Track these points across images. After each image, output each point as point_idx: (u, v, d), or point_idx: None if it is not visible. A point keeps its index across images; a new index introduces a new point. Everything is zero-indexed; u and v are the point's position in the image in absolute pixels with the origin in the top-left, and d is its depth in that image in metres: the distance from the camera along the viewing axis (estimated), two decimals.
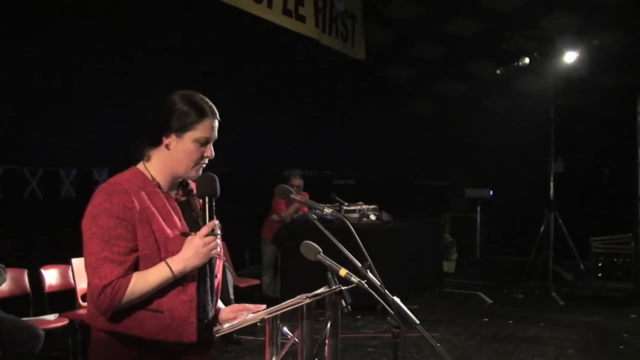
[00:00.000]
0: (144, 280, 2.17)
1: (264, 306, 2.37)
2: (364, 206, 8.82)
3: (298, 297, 2.27)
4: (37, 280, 5.75)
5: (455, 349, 6.44)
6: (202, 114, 2.28)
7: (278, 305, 2.28)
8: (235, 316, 2.40)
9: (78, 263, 5.86)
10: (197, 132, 2.27)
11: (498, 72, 10.42)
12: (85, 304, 5.47)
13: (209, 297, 2.35)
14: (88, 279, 2.17)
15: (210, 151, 2.33)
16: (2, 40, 6.14)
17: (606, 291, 9.10)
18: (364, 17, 11.75)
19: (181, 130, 2.26)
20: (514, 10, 10.91)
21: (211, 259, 2.31)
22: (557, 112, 9.64)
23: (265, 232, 8.59)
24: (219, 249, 2.29)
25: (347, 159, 12.41)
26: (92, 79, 7.03)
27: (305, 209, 7.92)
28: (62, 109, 6.76)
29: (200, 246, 2.22)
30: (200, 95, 2.34)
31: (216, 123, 2.33)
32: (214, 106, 2.34)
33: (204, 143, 2.30)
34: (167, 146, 2.28)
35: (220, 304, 2.52)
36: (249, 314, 2.37)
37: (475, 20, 11.49)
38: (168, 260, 2.20)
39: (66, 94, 6.76)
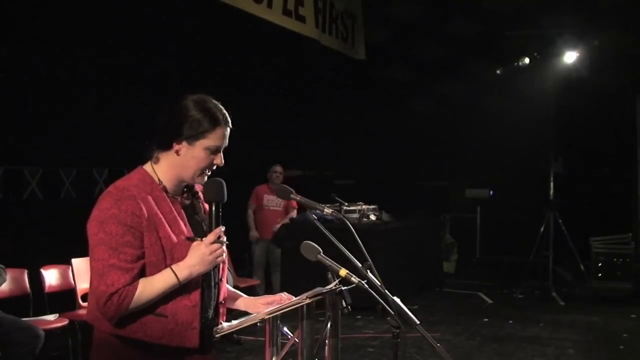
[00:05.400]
0: (150, 287, 2.17)
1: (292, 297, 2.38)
2: (364, 206, 8.81)
3: (298, 297, 2.27)
4: (37, 280, 5.74)
5: (455, 349, 6.44)
6: (215, 122, 2.27)
7: (278, 305, 2.28)
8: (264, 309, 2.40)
9: (78, 263, 5.86)
10: (209, 141, 2.27)
11: (498, 72, 10.43)
12: (85, 304, 5.46)
13: (213, 302, 2.36)
14: (94, 284, 2.17)
15: (220, 159, 2.32)
16: (2, 41, 6.15)
17: (606, 291, 9.10)
18: (364, 17, 11.75)
19: (193, 138, 2.25)
20: (514, 10, 10.90)
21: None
22: (557, 112, 9.64)
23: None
24: (224, 255, 2.29)
25: (347, 159, 12.40)
26: (93, 80, 7.03)
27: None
28: (63, 109, 6.76)
29: (206, 254, 2.22)
30: (214, 102, 2.32)
31: (228, 131, 2.32)
32: (227, 114, 2.32)
33: (214, 151, 2.29)
34: (177, 152, 2.27)
35: (241, 293, 2.57)
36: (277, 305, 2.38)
37: (475, 20, 11.48)
38: (173, 266, 2.21)
39: (66, 95, 6.75)
